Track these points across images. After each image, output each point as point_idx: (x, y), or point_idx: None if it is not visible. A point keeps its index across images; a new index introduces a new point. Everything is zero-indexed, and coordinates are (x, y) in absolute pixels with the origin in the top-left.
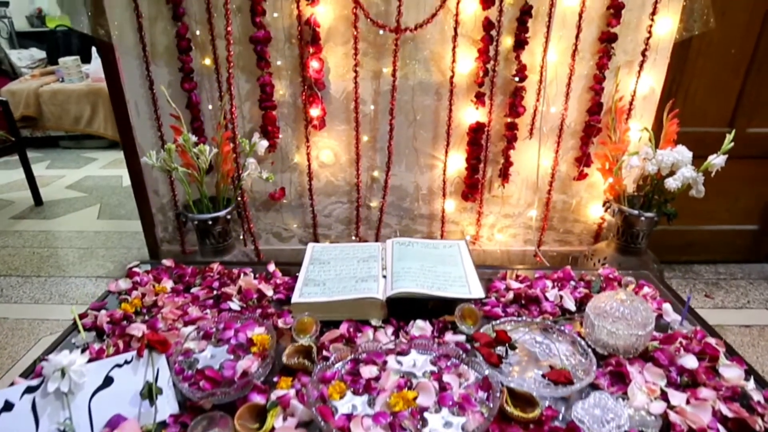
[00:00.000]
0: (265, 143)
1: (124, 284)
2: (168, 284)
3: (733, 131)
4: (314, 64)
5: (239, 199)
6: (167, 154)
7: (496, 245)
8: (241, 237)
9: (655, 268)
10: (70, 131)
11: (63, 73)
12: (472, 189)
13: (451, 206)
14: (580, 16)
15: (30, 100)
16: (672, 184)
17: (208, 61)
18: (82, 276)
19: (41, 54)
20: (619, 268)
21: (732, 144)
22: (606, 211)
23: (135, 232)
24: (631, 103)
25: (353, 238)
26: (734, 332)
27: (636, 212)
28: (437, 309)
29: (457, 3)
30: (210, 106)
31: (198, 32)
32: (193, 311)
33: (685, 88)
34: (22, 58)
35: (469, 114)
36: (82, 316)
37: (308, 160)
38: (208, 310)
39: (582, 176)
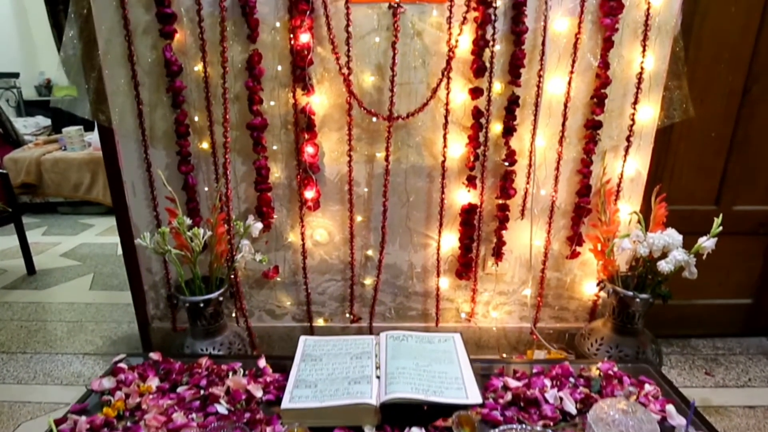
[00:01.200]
0: (259, 225)
1: (107, 383)
2: (154, 382)
3: (721, 215)
4: (309, 150)
5: (232, 277)
6: (161, 237)
7: (491, 322)
8: (234, 314)
9: (653, 349)
10: (69, 198)
11: (65, 141)
12: (465, 267)
13: (446, 284)
14: (566, 106)
15: (31, 168)
16: (665, 267)
17: (205, 145)
18: (69, 353)
19: (47, 122)
20: (616, 349)
21: (720, 227)
22: (600, 291)
23: (126, 304)
24: (619, 185)
25: (347, 315)
26: (738, 414)
27: (631, 293)
28: (433, 412)
29: (447, 93)
30: (206, 188)
31: (196, 118)
32: (178, 418)
33: (670, 170)
34: (27, 125)
35: (461, 195)
36: (60, 422)
37: (302, 239)
38: (194, 414)
39: (574, 255)
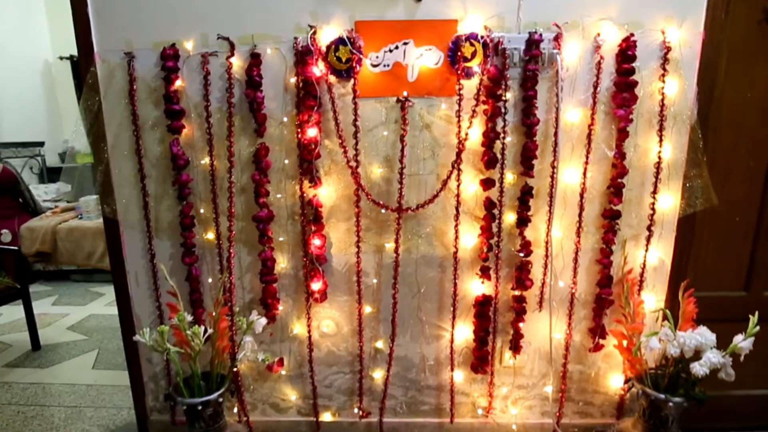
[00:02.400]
0: (263, 321)
1: None
2: None
3: (756, 313)
4: (316, 242)
5: (234, 370)
6: (159, 335)
7: (511, 418)
8: (235, 410)
9: None
10: (82, 266)
11: (82, 210)
12: (481, 361)
13: (461, 377)
14: (582, 196)
15: (46, 237)
16: (699, 370)
17: (210, 236)
18: None
19: (67, 188)
20: None
21: (758, 328)
22: (628, 391)
23: (128, 386)
24: (641, 275)
25: (356, 410)
26: None
27: (662, 396)
28: None
29: (458, 185)
30: (210, 279)
31: (202, 210)
32: None
33: (695, 256)
34: (48, 191)
35: (474, 286)
36: None
37: (309, 331)
38: None
39: (598, 348)
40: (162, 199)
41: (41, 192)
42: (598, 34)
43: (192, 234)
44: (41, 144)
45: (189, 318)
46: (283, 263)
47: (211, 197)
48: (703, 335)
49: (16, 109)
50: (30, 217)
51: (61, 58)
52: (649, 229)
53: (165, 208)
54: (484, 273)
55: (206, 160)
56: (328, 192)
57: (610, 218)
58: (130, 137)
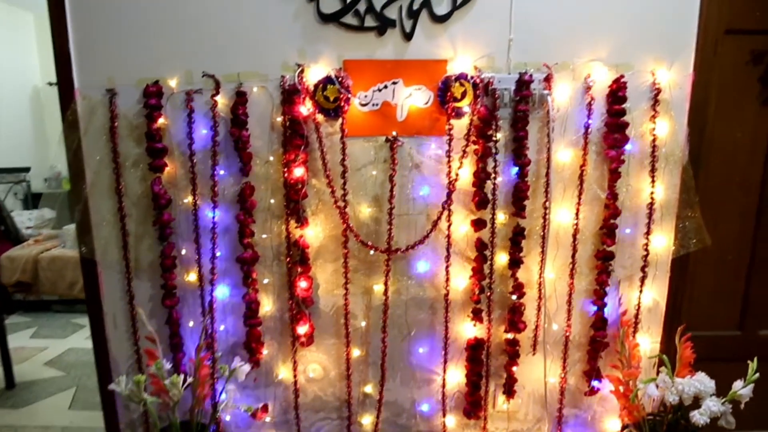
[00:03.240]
0: (246, 368)
1: None
2: None
3: (756, 359)
4: (302, 284)
5: (216, 418)
6: (136, 386)
7: None
8: None
9: None
10: (64, 296)
11: (65, 238)
12: (474, 406)
13: (453, 422)
14: (575, 237)
15: (27, 266)
16: (699, 419)
17: (192, 277)
18: None
19: (52, 214)
20: None
21: (757, 374)
22: None
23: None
24: (636, 317)
25: None
26: None
27: None
28: None
29: (449, 226)
30: (191, 323)
31: (184, 251)
32: None
33: (689, 296)
34: (32, 218)
35: (466, 329)
36: None
37: (294, 375)
38: None
39: (593, 392)
40: (142, 239)
41: (25, 218)
42: (589, 75)
43: (173, 275)
44: (27, 170)
45: (168, 365)
46: (268, 306)
47: (194, 237)
48: (702, 382)
49: (3, 134)
50: (11, 246)
51: (50, 84)
52: (643, 270)
53: (145, 248)
54: (476, 315)
55: (189, 199)
56: (315, 232)
57: (604, 259)
58: (110, 175)
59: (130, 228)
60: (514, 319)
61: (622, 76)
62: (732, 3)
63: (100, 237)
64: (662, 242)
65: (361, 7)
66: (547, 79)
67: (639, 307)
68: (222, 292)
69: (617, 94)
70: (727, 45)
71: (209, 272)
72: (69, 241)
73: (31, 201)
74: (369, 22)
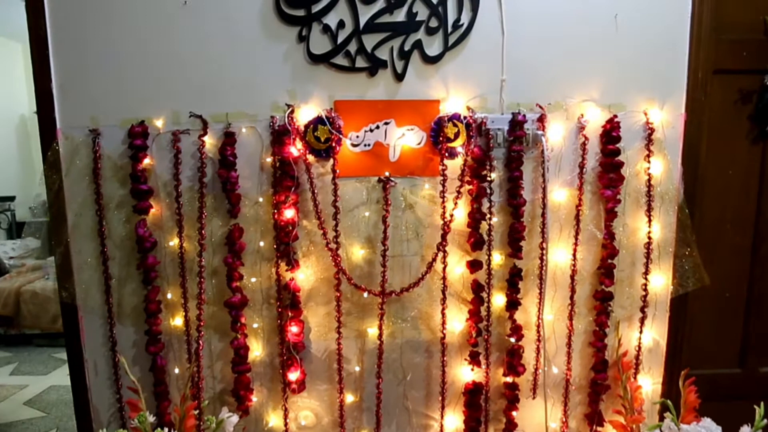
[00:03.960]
0: (234, 419)
1: None
2: None
3: (762, 404)
4: (293, 329)
5: None
6: None
7: None
8: None
9: None
10: (46, 330)
11: (49, 270)
12: None
13: None
14: (573, 278)
15: (9, 300)
16: None
17: (178, 322)
18: None
19: (36, 243)
20: None
21: (765, 420)
22: None
23: None
24: (637, 358)
25: None
26: None
27: None
28: None
29: (444, 267)
30: (177, 369)
31: (169, 295)
32: None
33: (688, 335)
34: (16, 247)
35: (464, 373)
36: None
37: (285, 423)
38: None
39: None
40: (126, 283)
41: (8, 248)
42: (582, 115)
43: (158, 320)
44: (12, 198)
45: (152, 418)
46: (257, 351)
47: (180, 281)
48: (708, 428)
49: None
50: None
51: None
52: (642, 310)
53: (129, 293)
54: (474, 359)
55: (175, 242)
56: (307, 275)
57: (602, 300)
58: (93, 217)
59: (113, 271)
60: (513, 362)
61: (615, 116)
62: (719, 44)
63: (82, 281)
64: (661, 281)
65: (352, 48)
66: (541, 120)
67: (639, 347)
68: (209, 337)
69: (611, 134)
70: (716, 85)
71: (196, 317)
72: (53, 272)
73: (16, 230)
74: (360, 62)
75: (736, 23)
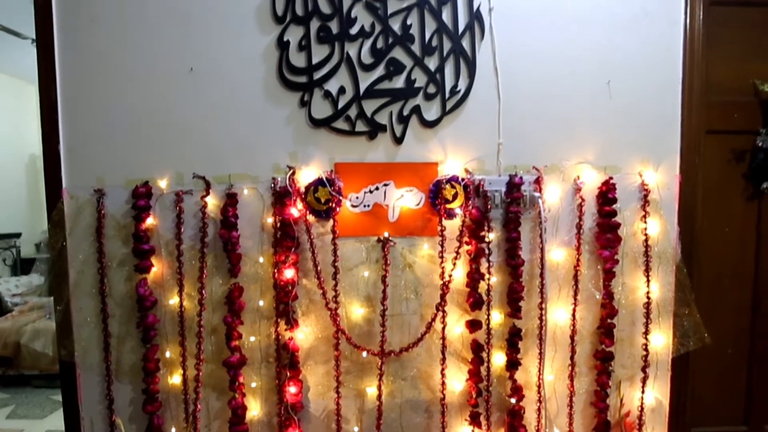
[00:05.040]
0: None
1: None
2: None
3: None
4: (291, 389)
5: None
6: None
7: None
8: None
9: None
10: (45, 371)
11: (51, 309)
12: None
13: None
14: (572, 338)
15: (9, 340)
16: None
17: (176, 380)
18: None
19: (40, 280)
20: None
21: None
22: None
23: None
24: (640, 419)
25: None
26: None
27: None
28: None
29: (443, 328)
30: (173, 429)
31: (168, 354)
32: None
33: (692, 392)
34: (20, 285)
35: None
36: None
37: None
38: None
39: None
40: (125, 340)
41: (12, 285)
42: (578, 177)
43: (156, 379)
44: (18, 235)
45: None
46: (255, 410)
47: (179, 339)
48: None
49: None
50: None
51: None
52: (644, 370)
53: (128, 350)
54: (474, 420)
55: (175, 300)
56: (306, 333)
57: (603, 360)
58: (95, 275)
59: (113, 329)
60: (514, 423)
61: (610, 178)
62: (711, 106)
63: (81, 338)
64: (661, 341)
65: (352, 112)
66: (537, 181)
67: (642, 407)
68: (207, 396)
69: (607, 195)
70: (709, 145)
71: (194, 377)
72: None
73: (20, 267)
74: (360, 126)
75: (725, 86)
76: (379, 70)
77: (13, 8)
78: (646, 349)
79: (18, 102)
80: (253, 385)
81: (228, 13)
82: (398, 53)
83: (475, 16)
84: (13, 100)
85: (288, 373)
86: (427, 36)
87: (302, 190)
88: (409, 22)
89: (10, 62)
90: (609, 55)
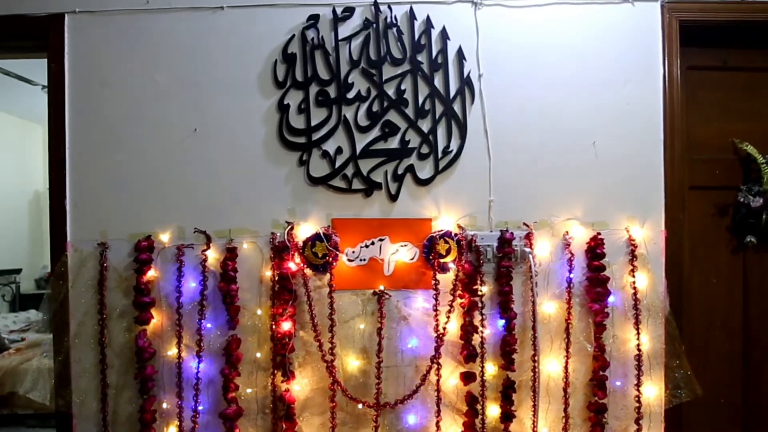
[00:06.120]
0: None
1: None
2: None
3: None
4: None
5: None
6: None
7: None
8: None
9: None
10: (39, 411)
11: (48, 346)
12: None
13: None
14: (565, 391)
15: (5, 380)
16: None
17: (173, 431)
18: None
19: (38, 316)
20: None
21: None
22: None
23: None
24: None
25: None
26: None
27: None
28: None
29: (438, 380)
30: None
31: (165, 405)
32: None
33: None
34: (18, 321)
35: None
36: None
37: None
38: None
39: None
40: (122, 391)
41: (9, 322)
42: (567, 233)
43: (152, 430)
44: (18, 271)
45: None
46: None
47: (176, 391)
48: None
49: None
50: None
51: None
52: (637, 422)
53: (125, 401)
54: None
55: (174, 352)
56: (302, 385)
57: (596, 412)
58: (95, 326)
59: (111, 379)
60: None
61: (598, 234)
62: (693, 164)
63: (79, 389)
64: (653, 392)
65: (349, 171)
66: (528, 237)
67: None
68: None
69: (595, 250)
70: (693, 200)
71: (190, 428)
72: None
73: (19, 303)
74: (356, 184)
75: (706, 144)
76: (375, 132)
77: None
78: (638, 401)
79: (25, 141)
80: None
81: (232, 78)
82: (393, 116)
83: (466, 82)
84: (20, 139)
85: (284, 425)
86: (420, 100)
87: (300, 244)
88: (403, 87)
89: (19, 105)
90: (594, 117)
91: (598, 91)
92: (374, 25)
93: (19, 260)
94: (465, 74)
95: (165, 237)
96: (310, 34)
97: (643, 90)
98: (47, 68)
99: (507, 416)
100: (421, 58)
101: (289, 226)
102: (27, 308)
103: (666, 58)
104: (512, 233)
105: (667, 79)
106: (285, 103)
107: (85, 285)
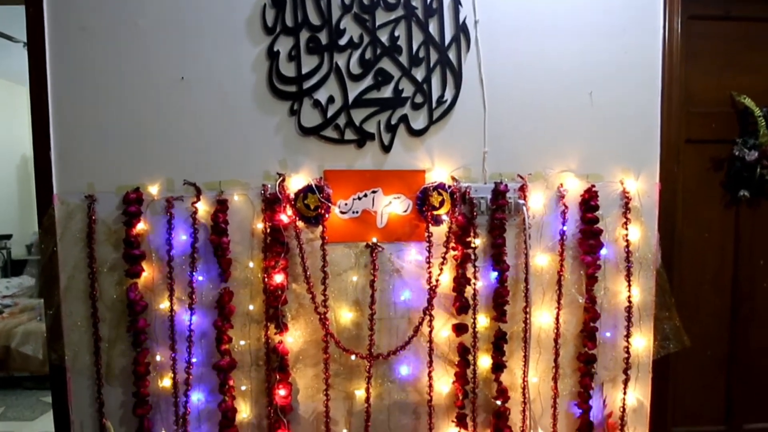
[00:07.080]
0: None
1: None
2: None
3: None
4: (281, 392)
5: None
6: None
7: None
8: None
9: None
10: (36, 373)
11: (41, 310)
12: None
13: None
14: (556, 341)
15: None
16: None
17: (167, 383)
18: None
19: (31, 282)
20: None
21: None
22: None
23: None
24: (622, 419)
25: None
26: None
27: None
28: None
29: (430, 331)
30: (164, 431)
31: (158, 357)
32: None
33: (672, 393)
34: (10, 286)
35: None
36: None
37: None
38: None
39: None
40: (115, 344)
41: (2, 287)
42: (561, 185)
43: (146, 382)
44: (9, 237)
45: None
46: (245, 413)
47: (169, 343)
48: None
49: None
50: None
51: None
52: (625, 372)
53: (118, 354)
54: (461, 421)
55: (165, 305)
56: (295, 337)
57: (586, 362)
58: (85, 280)
59: (103, 333)
60: (500, 424)
61: (593, 186)
62: (690, 116)
63: (72, 342)
64: (642, 343)
65: (341, 121)
66: (522, 189)
67: (624, 408)
68: (197, 399)
69: (589, 202)
70: (688, 153)
71: (184, 380)
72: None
73: (11, 268)
74: (349, 135)
75: (704, 97)
76: (368, 80)
77: (4, 12)
78: (627, 352)
79: (10, 103)
80: (243, 388)
81: (219, 23)
82: (386, 64)
83: (461, 29)
84: (4, 102)
85: (277, 376)
86: (415, 47)
87: (292, 196)
88: (396, 34)
89: (1, 65)
90: (591, 67)
91: (596, 39)
92: None
93: (9, 226)
94: (461, 21)
95: (154, 189)
96: None
97: (642, 39)
98: (25, 14)
99: (498, 367)
100: (416, 2)
101: (281, 178)
102: (19, 274)
103: (666, 6)
104: (506, 185)
105: (667, 27)
106: (275, 49)
107: (73, 238)
